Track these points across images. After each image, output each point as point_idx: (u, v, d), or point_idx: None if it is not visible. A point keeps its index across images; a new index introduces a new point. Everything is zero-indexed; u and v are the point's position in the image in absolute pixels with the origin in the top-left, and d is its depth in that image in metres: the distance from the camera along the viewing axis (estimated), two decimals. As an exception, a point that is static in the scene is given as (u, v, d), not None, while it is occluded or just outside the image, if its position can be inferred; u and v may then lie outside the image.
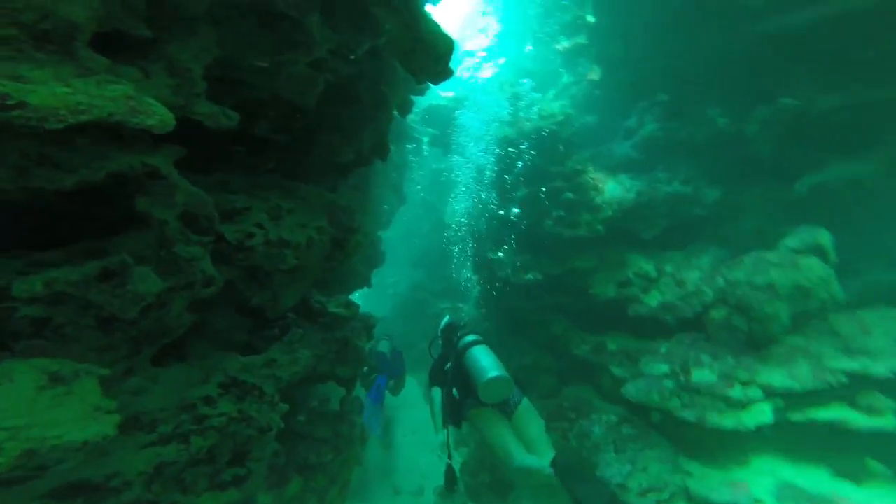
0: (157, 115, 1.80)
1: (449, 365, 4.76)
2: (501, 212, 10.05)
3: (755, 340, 6.70)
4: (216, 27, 2.42)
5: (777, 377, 6.11)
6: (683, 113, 9.49)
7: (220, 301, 3.50)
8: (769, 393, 6.05)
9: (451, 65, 3.92)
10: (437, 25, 3.47)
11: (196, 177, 3.55)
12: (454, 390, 4.57)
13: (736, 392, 6.10)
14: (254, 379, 3.48)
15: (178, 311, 2.62)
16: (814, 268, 6.69)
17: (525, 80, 13.30)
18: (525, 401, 4.45)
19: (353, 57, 3.69)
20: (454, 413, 4.53)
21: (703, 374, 6.50)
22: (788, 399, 6.01)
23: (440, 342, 5.35)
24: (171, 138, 2.63)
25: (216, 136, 4.15)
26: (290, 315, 4.73)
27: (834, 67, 7.60)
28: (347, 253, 4.10)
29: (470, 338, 4.74)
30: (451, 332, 5.18)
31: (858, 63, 7.32)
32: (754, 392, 6.07)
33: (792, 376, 6.05)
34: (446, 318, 5.65)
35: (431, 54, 3.43)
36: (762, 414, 5.88)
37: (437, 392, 4.81)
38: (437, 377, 4.96)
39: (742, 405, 6.01)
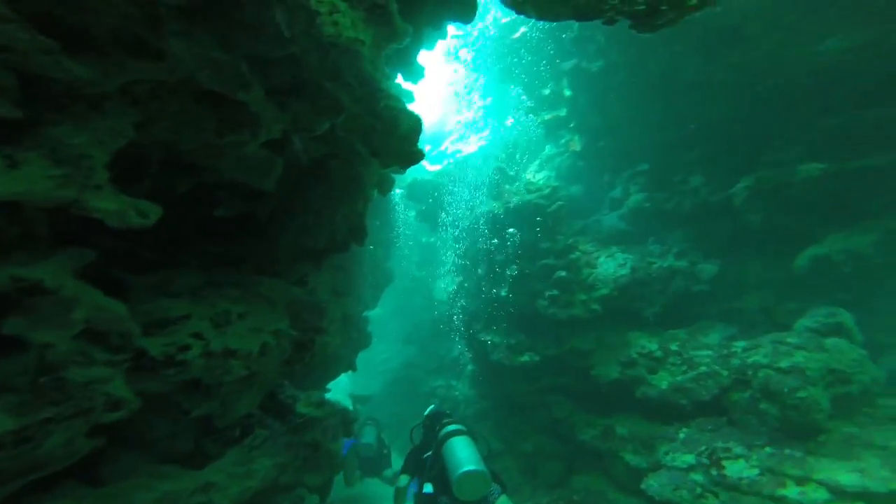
0: None
1: (429, 454, 4.50)
2: (493, 290, 9.59)
3: (794, 428, 5.96)
4: (136, 107, 2.04)
5: (843, 474, 5.15)
6: (667, 182, 9.46)
7: (157, 407, 2.91)
8: (837, 493, 5.05)
9: (422, 145, 3.60)
10: (399, 101, 3.17)
11: (136, 277, 3.10)
12: (427, 485, 4.25)
13: (791, 491, 5.22)
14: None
15: (59, 443, 2.01)
16: (844, 350, 6.18)
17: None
18: (503, 498, 4.08)
19: (315, 136, 3.36)
20: None
21: (739, 467, 5.73)
22: (869, 501, 5.01)
23: (422, 430, 5.12)
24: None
25: (176, 226, 3.74)
26: (254, 412, 4.09)
27: (808, 136, 7.61)
28: (313, 354, 3.56)
29: (452, 427, 4.46)
30: (435, 421, 4.93)
31: (829, 132, 7.34)
32: (817, 493, 5.11)
33: (864, 473, 5.10)
34: (432, 406, 5.48)
35: (394, 134, 3.11)
36: (841, 521, 4.91)
37: (403, 480, 4.60)
38: (411, 465, 4.74)
39: (804, 508, 5.10)
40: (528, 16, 3.01)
